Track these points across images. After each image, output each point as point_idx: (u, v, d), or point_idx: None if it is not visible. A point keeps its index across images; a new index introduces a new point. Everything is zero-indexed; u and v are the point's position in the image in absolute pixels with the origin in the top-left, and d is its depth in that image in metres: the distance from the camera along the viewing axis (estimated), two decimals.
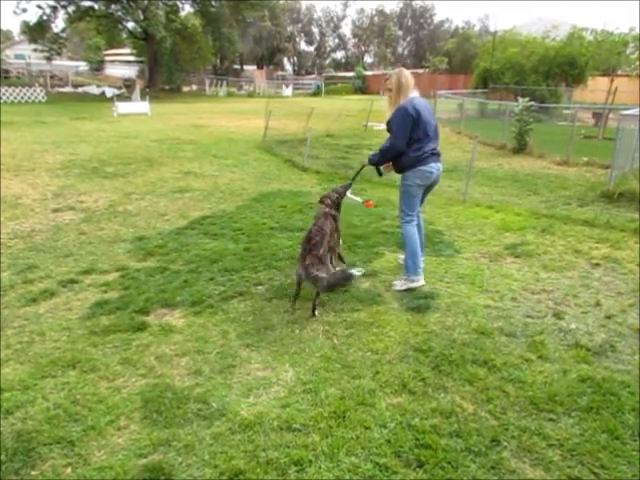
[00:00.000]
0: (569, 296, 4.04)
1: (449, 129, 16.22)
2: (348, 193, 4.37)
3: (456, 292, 4.07)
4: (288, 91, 39.82)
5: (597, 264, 4.75)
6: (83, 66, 47.17)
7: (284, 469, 2.20)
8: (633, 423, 2.51)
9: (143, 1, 30.39)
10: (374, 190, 7.59)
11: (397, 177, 4.27)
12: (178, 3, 35.85)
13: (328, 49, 73.06)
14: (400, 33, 69.30)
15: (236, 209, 6.52)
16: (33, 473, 2.19)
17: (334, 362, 3.04)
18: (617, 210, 6.73)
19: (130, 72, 42.05)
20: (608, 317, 3.68)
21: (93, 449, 2.32)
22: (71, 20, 33.45)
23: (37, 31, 31.60)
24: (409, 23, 68.76)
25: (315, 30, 70.59)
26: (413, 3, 67.38)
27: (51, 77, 34.73)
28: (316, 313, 3.63)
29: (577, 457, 2.30)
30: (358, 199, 4.60)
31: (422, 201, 4.39)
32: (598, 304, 3.89)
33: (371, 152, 4.38)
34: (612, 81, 20.14)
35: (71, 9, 32.44)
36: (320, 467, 2.21)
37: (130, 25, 35.33)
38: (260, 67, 56.24)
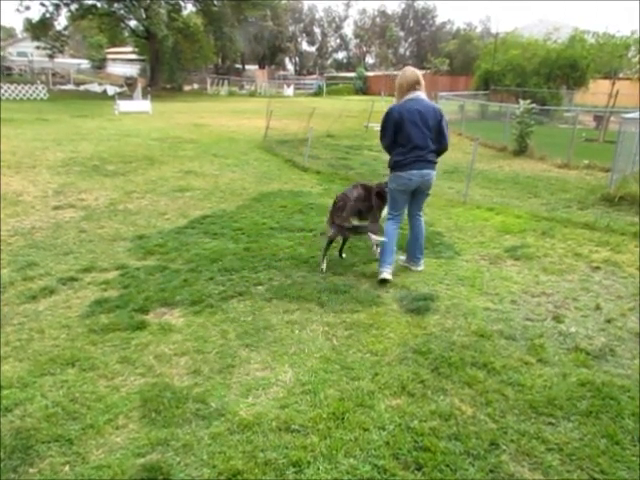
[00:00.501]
0: (569, 299, 4.04)
1: (450, 131, 16.16)
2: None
3: (456, 294, 4.07)
4: (289, 91, 39.83)
5: (597, 267, 4.75)
6: (85, 64, 47.18)
7: (282, 470, 2.20)
8: (633, 428, 2.50)
9: (145, 0, 30.39)
10: None
11: None
12: (180, 2, 35.82)
13: (330, 49, 73.04)
14: (402, 34, 69.29)
15: (236, 209, 6.52)
16: (31, 471, 2.19)
17: (333, 363, 3.03)
18: (617, 213, 6.73)
19: (132, 70, 42.07)
20: (608, 321, 3.68)
21: (91, 448, 2.32)
22: (74, 18, 33.45)
23: (40, 29, 31.63)
24: (411, 24, 68.76)
25: (317, 30, 70.60)
26: (415, 4, 67.45)
27: (53, 75, 34.70)
28: (343, 256, 4.70)
29: (576, 462, 2.30)
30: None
31: (418, 204, 4.42)
32: (598, 308, 3.89)
33: None
34: (613, 84, 20.18)
35: (74, 7, 32.41)
36: (318, 468, 2.21)
37: (132, 24, 35.33)
38: (262, 67, 56.26)
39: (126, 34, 38.46)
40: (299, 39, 69.02)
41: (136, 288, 4.02)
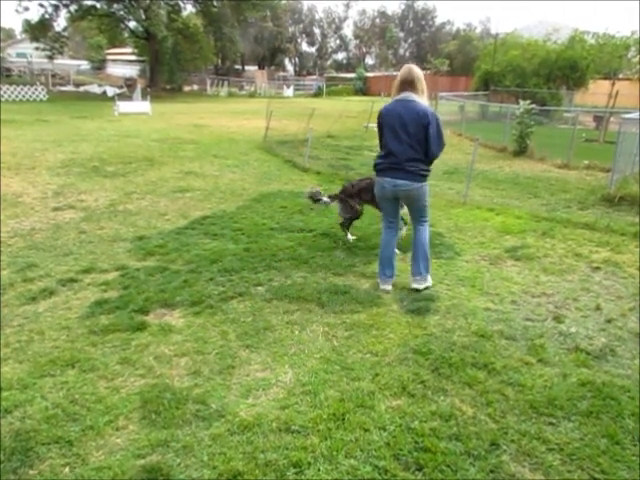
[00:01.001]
0: (569, 300, 4.04)
1: (450, 131, 16.20)
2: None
3: (456, 295, 4.07)
4: (289, 92, 39.85)
5: (597, 268, 4.74)
6: (84, 65, 47.18)
7: (283, 471, 2.19)
8: (633, 428, 2.50)
9: (145, 0, 30.42)
10: None
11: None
12: (180, 3, 35.90)
13: (329, 50, 73.12)
14: (402, 35, 69.38)
15: (236, 209, 6.52)
16: (31, 472, 2.18)
17: (333, 364, 3.03)
18: (617, 214, 6.72)
19: (131, 71, 42.06)
20: (608, 321, 3.68)
21: (91, 449, 2.31)
22: (73, 19, 33.50)
23: (39, 30, 31.62)
24: (411, 25, 68.83)
25: (317, 31, 70.71)
26: (415, 5, 67.49)
27: (52, 76, 34.72)
28: (350, 238, 5.26)
29: (577, 462, 2.30)
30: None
31: (412, 213, 4.05)
32: (598, 308, 3.89)
33: None
34: (613, 84, 20.19)
35: (73, 8, 32.46)
36: (319, 469, 2.20)
37: (132, 24, 35.34)
38: (261, 67, 56.31)
39: (126, 35, 38.50)
40: (299, 40, 69.13)
41: (136, 289, 4.01)
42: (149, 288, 4.03)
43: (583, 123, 18.01)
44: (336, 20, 70.94)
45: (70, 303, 3.78)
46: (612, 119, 15.94)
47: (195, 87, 41.44)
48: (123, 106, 19.12)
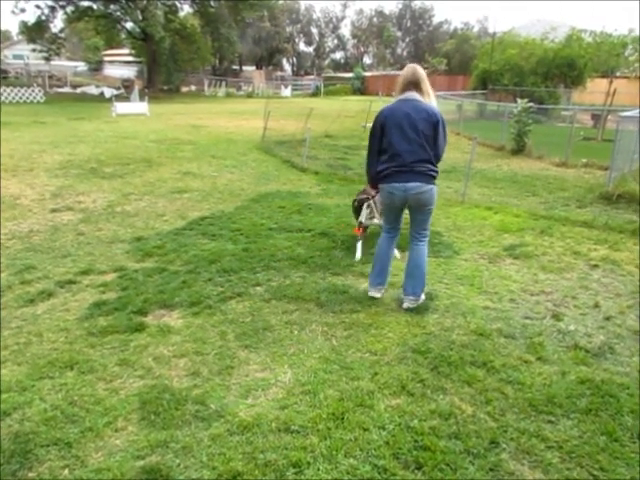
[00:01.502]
0: (568, 297, 4.04)
1: (448, 130, 16.18)
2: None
3: (455, 293, 4.07)
4: (287, 92, 39.82)
5: (596, 265, 4.75)
6: (82, 66, 47.13)
7: (282, 471, 2.19)
8: (632, 425, 2.50)
9: (142, 1, 30.30)
10: None
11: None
12: (177, 3, 35.76)
13: (327, 50, 73.05)
14: (399, 34, 69.31)
15: (235, 210, 6.51)
16: (30, 475, 2.18)
17: (333, 363, 3.03)
18: (616, 211, 6.74)
19: (129, 72, 42.01)
20: (607, 319, 3.68)
21: (90, 451, 2.31)
22: (70, 20, 33.37)
23: (35, 31, 31.53)
24: (408, 24, 68.77)
25: (314, 31, 70.61)
26: (412, 4, 67.48)
27: (49, 77, 34.65)
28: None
29: (576, 459, 2.30)
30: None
31: (415, 224, 3.78)
32: (597, 306, 3.89)
33: None
34: (611, 83, 20.20)
35: (70, 9, 32.35)
36: (318, 469, 2.20)
37: (129, 25, 35.28)
38: (259, 68, 56.24)
39: (123, 36, 38.38)
40: (296, 40, 69.04)
41: (134, 290, 4.01)
42: (148, 289, 4.03)
43: (581, 121, 18.01)
44: (333, 20, 70.95)
45: (68, 305, 3.77)
46: (610, 117, 15.95)
47: (193, 88, 41.38)
48: (120, 107, 19.09)
